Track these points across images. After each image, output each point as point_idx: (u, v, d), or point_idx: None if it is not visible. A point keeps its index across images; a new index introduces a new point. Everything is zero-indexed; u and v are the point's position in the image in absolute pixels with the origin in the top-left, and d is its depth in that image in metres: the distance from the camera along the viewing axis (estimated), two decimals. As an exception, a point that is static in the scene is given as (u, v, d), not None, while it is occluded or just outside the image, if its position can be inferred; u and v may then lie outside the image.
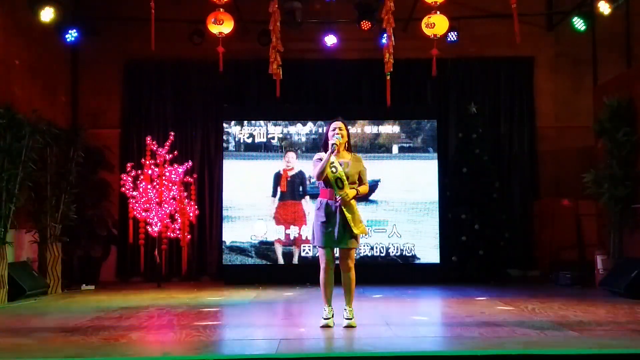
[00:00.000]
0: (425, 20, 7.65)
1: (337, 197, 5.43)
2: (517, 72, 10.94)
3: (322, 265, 5.51)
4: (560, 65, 10.91)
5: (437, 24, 7.59)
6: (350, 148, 5.70)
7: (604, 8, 9.02)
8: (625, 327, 5.41)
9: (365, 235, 5.65)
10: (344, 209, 5.43)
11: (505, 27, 9.56)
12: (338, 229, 5.42)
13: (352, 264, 5.52)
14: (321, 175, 5.46)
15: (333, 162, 5.47)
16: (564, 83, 10.90)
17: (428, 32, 7.66)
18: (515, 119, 10.86)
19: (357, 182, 5.56)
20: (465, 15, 10.06)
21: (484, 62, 10.91)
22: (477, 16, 10.45)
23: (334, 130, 5.55)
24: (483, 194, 9.82)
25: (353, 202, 5.48)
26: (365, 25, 9.33)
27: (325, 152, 5.52)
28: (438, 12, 7.71)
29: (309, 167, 5.68)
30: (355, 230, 5.44)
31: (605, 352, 4.32)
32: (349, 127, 5.72)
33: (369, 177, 5.93)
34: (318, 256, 5.61)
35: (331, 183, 5.46)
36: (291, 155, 9.77)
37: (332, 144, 5.45)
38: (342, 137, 5.54)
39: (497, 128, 10.82)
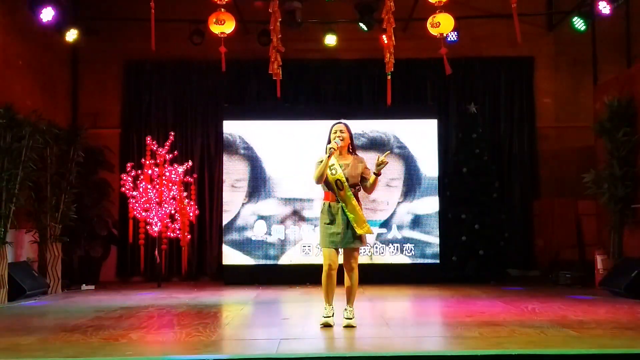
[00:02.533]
0: (430, 20, 7.64)
1: (338, 198, 5.44)
2: (517, 72, 10.94)
3: (325, 267, 5.50)
4: (560, 65, 10.91)
5: (442, 23, 7.57)
6: (353, 150, 5.70)
7: (604, 8, 9.01)
8: (625, 327, 5.41)
9: (370, 234, 5.65)
10: (345, 210, 5.44)
11: (505, 27, 9.58)
12: (342, 230, 5.43)
13: (355, 265, 5.52)
14: (320, 178, 5.47)
15: (333, 164, 5.48)
16: (564, 83, 10.90)
17: (434, 31, 7.64)
18: (515, 119, 10.86)
19: (360, 183, 5.56)
20: (465, 15, 10.06)
21: (484, 62, 10.91)
22: (477, 16, 10.46)
23: (335, 132, 5.56)
24: (483, 194, 9.82)
25: (355, 202, 5.48)
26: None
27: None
28: (442, 11, 7.70)
29: (310, 169, 5.66)
30: (359, 231, 5.44)
31: (605, 352, 4.32)
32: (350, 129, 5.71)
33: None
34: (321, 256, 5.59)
35: (331, 185, 5.47)
36: (291, 155, 9.75)
37: (330, 148, 5.46)
38: (343, 139, 5.54)
39: (497, 128, 10.83)
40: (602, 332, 5.20)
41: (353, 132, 5.73)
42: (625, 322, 5.74)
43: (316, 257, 9.40)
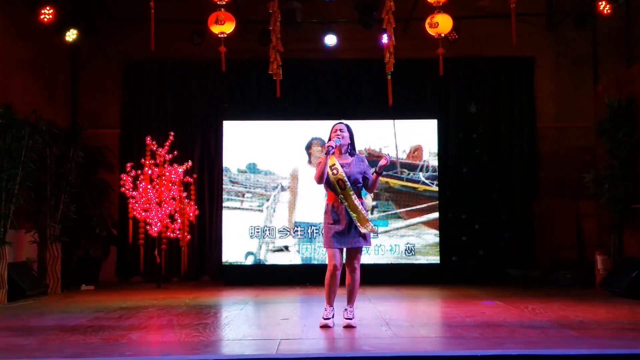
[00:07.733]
0: (428, 20, 7.64)
1: (340, 198, 5.44)
2: (517, 72, 10.93)
3: (330, 267, 5.47)
4: (560, 65, 10.91)
5: (440, 23, 7.58)
6: (353, 149, 5.69)
7: (604, 8, 9.01)
8: (625, 327, 5.41)
9: (374, 232, 5.62)
10: (348, 210, 5.44)
11: (505, 27, 9.52)
12: (345, 229, 5.43)
13: (358, 265, 5.51)
14: (321, 178, 5.47)
15: (334, 164, 5.47)
16: (564, 83, 10.90)
17: (432, 31, 7.64)
18: (515, 119, 10.85)
19: (362, 182, 5.55)
20: (465, 15, 10.06)
21: (484, 62, 10.90)
22: (477, 16, 10.45)
23: (335, 132, 5.56)
24: (483, 194, 9.83)
25: (357, 202, 5.47)
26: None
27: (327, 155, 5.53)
28: (441, 12, 7.70)
29: (311, 170, 5.66)
30: (363, 230, 5.43)
31: (605, 352, 4.32)
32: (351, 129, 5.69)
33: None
34: (319, 257, 5.60)
35: (333, 185, 5.47)
36: (290, 156, 9.76)
37: (329, 147, 5.45)
38: (343, 139, 5.54)
39: (497, 128, 10.82)
40: (602, 332, 5.20)
41: (353, 132, 5.71)
42: (625, 322, 5.74)
43: (316, 257, 9.40)
